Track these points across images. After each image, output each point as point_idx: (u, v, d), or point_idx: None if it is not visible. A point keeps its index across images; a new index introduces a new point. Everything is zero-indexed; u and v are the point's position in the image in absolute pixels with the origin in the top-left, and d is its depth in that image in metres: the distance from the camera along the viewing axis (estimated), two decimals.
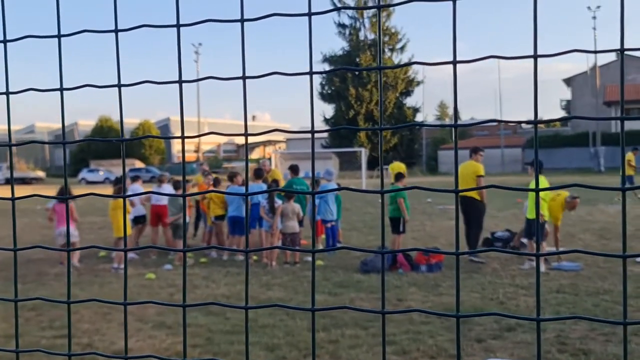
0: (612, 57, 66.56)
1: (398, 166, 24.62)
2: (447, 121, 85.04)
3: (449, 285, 10.47)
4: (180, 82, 1.56)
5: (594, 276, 10.67)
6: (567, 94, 73.44)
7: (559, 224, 12.43)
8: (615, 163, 42.20)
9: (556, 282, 10.32)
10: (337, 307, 1.59)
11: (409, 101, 69.00)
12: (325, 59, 67.55)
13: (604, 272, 10.94)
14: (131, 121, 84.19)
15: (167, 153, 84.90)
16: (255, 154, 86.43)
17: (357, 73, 63.99)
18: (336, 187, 14.98)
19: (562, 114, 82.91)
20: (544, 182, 11.09)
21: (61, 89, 1.65)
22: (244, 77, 1.52)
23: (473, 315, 1.65)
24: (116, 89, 1.61)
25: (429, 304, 9.26)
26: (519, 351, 6.96)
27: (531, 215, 11.90)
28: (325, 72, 1.66)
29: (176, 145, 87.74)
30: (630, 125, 53.06)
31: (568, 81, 67.98)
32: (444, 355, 6.98)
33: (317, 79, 68.49)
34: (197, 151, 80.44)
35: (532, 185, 1.59)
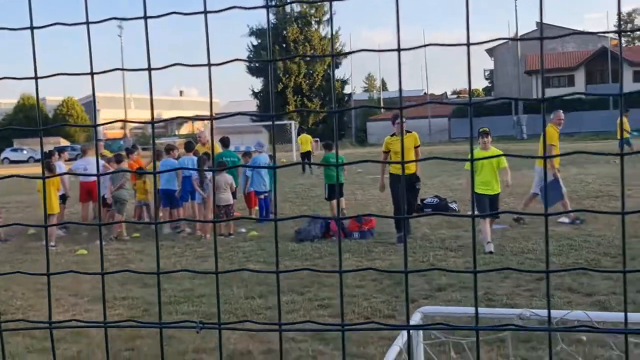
0: (533, 27, 68.24)
1: (306, 138, 26.28)
2: (375, 93, 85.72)
3: (381, 251, 10.72)
4: (149, 69, 1.55)
5: (518, 237, 11.08)
6: (490, 64, 74.99)
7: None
8: (537, 130, 43.46)
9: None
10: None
11: (337, 73, 69.18)
12: (252, 32, 67.00)
13: (528, 232, 11.37)
14: (55, 99, 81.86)
15: (93, 130, 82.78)
16: (184, 130, 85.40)
17: (284, 45, 63.75)
18: (267, 158, 15.05)
19: (485, 83, 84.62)
20: (497, 152, 10.82)
21: None
22: (209, 65, 1.53)
23: (491, 271, 1.75)
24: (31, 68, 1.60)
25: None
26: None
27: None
28: (285, 58, 1.69)
29: (103, 120, 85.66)
30: (550, 92, 54.67)
31: (490, 51, 69.35)
32: (379, 316, 7.19)
33: (245, 53, 67.88)
34: (123, 128, 78.83)
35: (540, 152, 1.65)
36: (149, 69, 1.51)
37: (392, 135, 11.46)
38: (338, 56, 1.48)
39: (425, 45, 1.44)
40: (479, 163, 10.01)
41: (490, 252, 9.89)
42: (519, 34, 59.35)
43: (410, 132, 11.49)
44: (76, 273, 1.82)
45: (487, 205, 10.35)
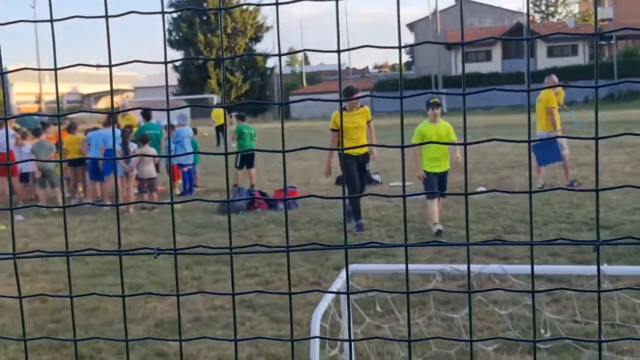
0: (452, 2, 69.37)
1: (219, 112, 27.41)
2: (297, 67, 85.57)
3: (306, 221, 10.86)
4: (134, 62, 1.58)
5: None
6: (411, 38, 75.95)
7: None
8: (456, 105, 44.39)
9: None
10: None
11: (259, 47, 68.74)
12: (172, 4, 65.72)
13: (449, 201, 11.71)
14: None
15: (6, 104, 79.91)
16: (101, 104, 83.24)
17: (205, 18, 62.82)
18: (190, 131, 14.95)
19: (406, 58, 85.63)
20: (448, 125, 9.59)
21: None
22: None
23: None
24: None
25: (289, 238, 9.56)
26: (373, 275, 7.41)
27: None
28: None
29: (15, 96, 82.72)
30: (469, 67, 55.88)
31: (411, 26, 70.18)
32: (305, 283, 7.33)
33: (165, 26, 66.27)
34: (38, 102, 76.27)
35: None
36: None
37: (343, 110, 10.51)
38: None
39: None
40: (426, 138, 9.24)
41: (439, 232, 9.34)
42: (439, 9, 60.27)
43: (362, 106, 10.21)
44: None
45: (435, 184, 9.46)
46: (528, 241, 1.43)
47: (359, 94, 11.18)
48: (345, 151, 9.39)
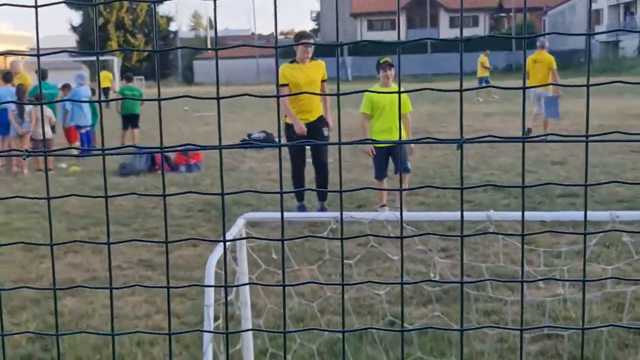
0: None
1: (105, 75, 30.58)
2: (202, 31, 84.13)
3: (209, 183, 10.80)
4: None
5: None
6: (317, 5, 75.82)
7: None
8: (361, 72, 44.81)
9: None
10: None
11: (162, 9, 67.09)
12: None
13: (349, 165, 11.85)
14: None
15: None
16: None
17: None
18: (88, 90, 14.50)
19: (312, 25, 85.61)
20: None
21: None
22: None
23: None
24: None
25: (190, 200, 9.49)
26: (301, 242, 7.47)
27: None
28: None
29: None
30: (374, 35, 56.46)
31: None
32: (206, 243, 7.31)
33: None
34: None
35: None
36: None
37: (291, 62, 8.23)
38: None
39: None
40: (379, 105, 7.77)
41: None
42: None
43: (315, 59, 8.32)
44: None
45: (383, 160, 8.04)
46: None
47: (311, 41, 10.61)
48: (288, 120, 8.16)
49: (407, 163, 7.96)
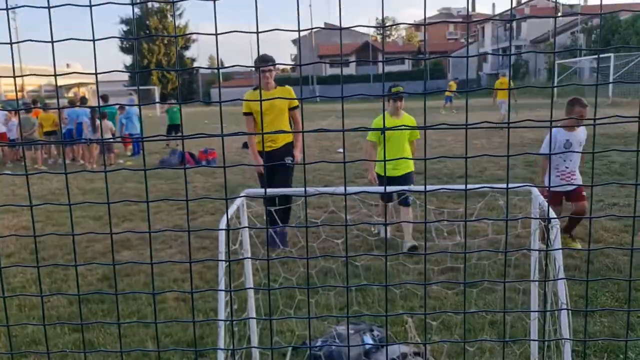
0: (322, 25, 68.99)
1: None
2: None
3: (221, 172, 10.67)
4: (137, 72, 1.46)
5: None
6: (294, 49, 75.01)
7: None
8: (326, 97, 44.62)
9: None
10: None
11: (188, 54, 66.15)
12: (122, 21, 61.98)
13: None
14: None
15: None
16: (71, 93, 77.50)
17: (147, 32, 59.60)
18: (137, 109, 14.25)
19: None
20: (413, 120, 5.36)
21: None
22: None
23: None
24: None
25: (208, 184, 9.39)
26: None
27: None
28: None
29: (3, 85, 75.34)
30: (331, 71, 56.09)
31: (294, 41, 69.41)
32: (220, 213, 7.24)
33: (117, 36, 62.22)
34: (21, 91, 69.99)
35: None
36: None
37: (255, 89, 5.34)
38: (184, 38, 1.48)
39: None
40: (387, 133, 5.25)
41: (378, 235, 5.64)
42: (313, 31, 59.77)
43: (283, 85, 5.42)
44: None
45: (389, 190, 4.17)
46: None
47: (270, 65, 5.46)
48: (259, 148, 5.47)
49: (410, 198, 5.39)
